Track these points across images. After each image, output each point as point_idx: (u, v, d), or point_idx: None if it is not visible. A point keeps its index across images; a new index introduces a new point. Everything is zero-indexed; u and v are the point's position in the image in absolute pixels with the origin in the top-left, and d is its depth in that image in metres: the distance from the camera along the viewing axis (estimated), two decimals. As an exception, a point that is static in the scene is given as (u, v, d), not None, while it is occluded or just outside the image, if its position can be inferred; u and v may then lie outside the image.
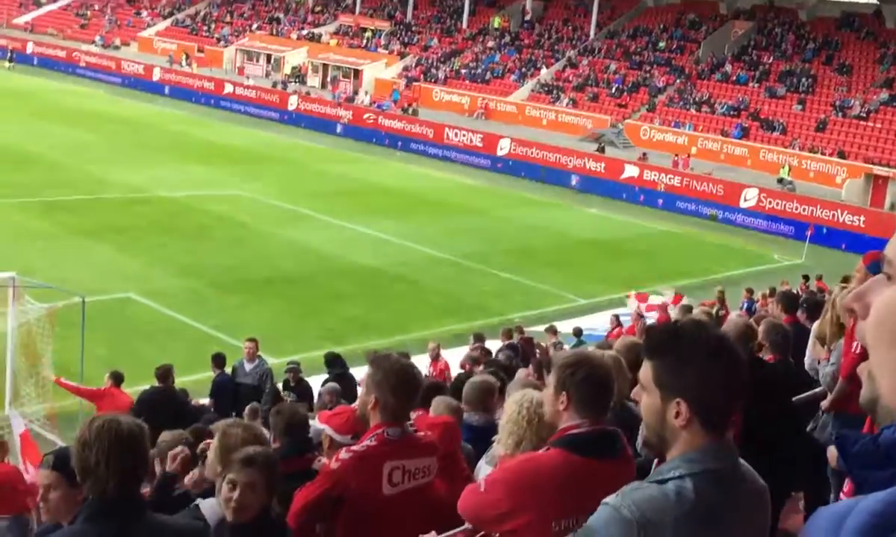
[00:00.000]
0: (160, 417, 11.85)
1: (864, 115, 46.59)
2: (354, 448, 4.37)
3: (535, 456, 3.50)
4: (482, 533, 3.80)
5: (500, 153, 46.91)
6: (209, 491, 4.67)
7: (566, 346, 16.96)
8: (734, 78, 52.34)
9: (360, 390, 4.74)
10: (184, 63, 63.91)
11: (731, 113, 49.70)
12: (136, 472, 3.49)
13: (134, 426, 3.49)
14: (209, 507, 4.28)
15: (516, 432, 4.02)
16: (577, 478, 3.32)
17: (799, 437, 7.21)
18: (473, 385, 6.97)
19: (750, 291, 22.00)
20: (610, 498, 2.44)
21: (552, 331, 18.35)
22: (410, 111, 53.76)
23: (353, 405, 7.38)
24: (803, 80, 50.25)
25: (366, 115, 52.87)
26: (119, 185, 32.54)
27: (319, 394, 12.35)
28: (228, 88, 58.23)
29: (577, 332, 18.87)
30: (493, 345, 17.24)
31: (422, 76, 59.84)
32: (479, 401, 6.76)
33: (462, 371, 13.52)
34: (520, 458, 3.58)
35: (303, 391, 13.70)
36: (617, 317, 20.19)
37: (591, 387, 3.41)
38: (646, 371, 2.58)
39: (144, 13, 74.32)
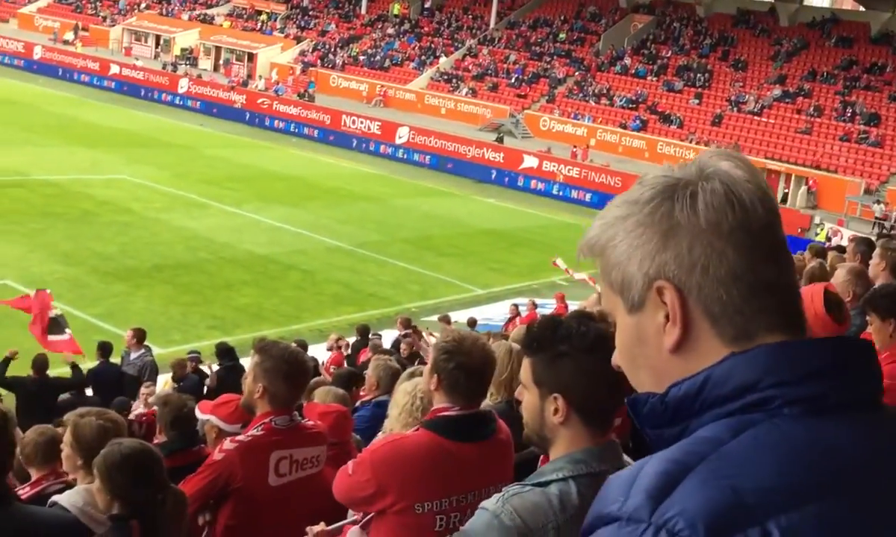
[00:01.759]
0: (36, 408, 11.22)
1: (758, 110, 47.49)
2: (240, 438, 4.25)
3: (402, 437, 3.47)
4: (367, 519, 3.70)
5: (398, 141, 46.36)
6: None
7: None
8: (633, 71, 52.79)
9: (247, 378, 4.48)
10: (68, 36, 61.41)
11: (630, 105, 50.10)
12: (3, 462, 3.37)
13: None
14: (68, 500, 3.95)
15: (410, 423, 3.89)
16: (440, 461, 3.30)
17: None
18: (387, 369, 7.13)
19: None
20: (490, 503, 2.40)
21: (446, 320, 18.02)
22: (306, 97, 52.71)
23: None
24: (700, 74, 50.98)
25: (260, 100, 51.67)
26: (-5, 167, 30.89)
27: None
28: (115, 69, 56.17)
29: (472, 323, 18.58)
30: (389, 334, 16.87)
31: (319, 61, 58.81)
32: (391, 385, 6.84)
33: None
34: (387, 439, 3.54)
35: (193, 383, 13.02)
36: (516, 306, 19.93)
37: (462, 375, 3.35)
38: (525, 368, 2.55)
39: (26, -11, 71.37)
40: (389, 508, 3.31)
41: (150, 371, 13.26)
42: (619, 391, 2.41)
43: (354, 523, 3.98)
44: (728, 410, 1.18)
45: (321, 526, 3.95)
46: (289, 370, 4.21)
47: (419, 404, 3.94)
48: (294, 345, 4.99)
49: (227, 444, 4.20)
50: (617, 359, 1.35)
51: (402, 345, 14.40)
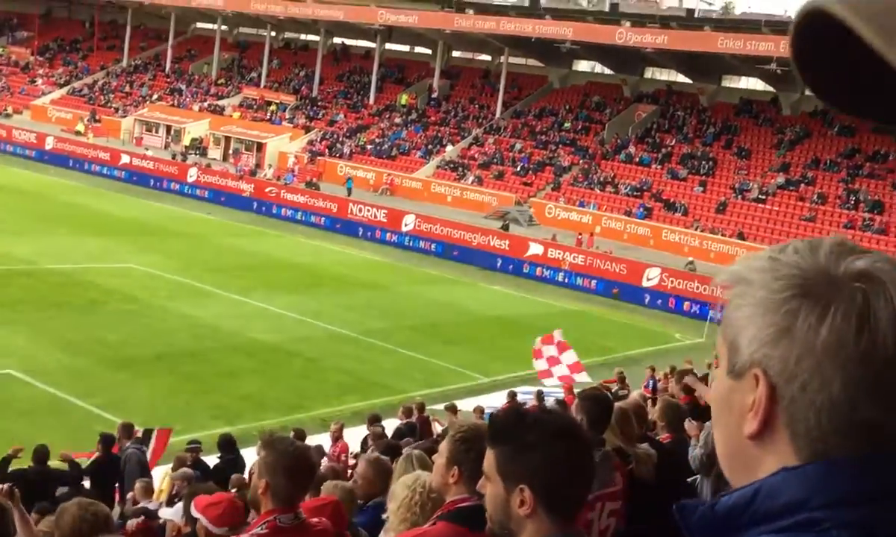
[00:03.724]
0: (35, 499, 11.11)
1: (762, 197, 47.76)
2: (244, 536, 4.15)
3: (423, 531, 3.39)
4: None
5: (404, 229, 46.60)
6: None
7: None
8: (637, 159, 53.27)
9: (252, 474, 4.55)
10: (79, 127, 62.29)
11: (635, 193, 50.43)
12: None
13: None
14: None
15: (409, 518, 3.85)
16: None
17: None
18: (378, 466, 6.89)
19: (653, 369, 21.99)
20: None
21: (452, 409, 17.90)
22: (312, 185, 53.14)
23: (229, 492, 7.04)
24: (704, 162, 51.41)
25: (268, 189, 52.11)
26: (2, 257, 31.02)
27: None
28: (125, 159, 56.85)
29: (479, 411, 18.38)
30: (392, 423, 16.76)
31: (327, 150, 59.49)
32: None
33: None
34: (408, 534, 3.49)
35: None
36: (514, 394, 19.80)
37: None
38: (489, 459, 2.48)
39: (39, 81, 72.50)
40: None
41: (132, 464, 13.03)
42: (586, 480, 2.51)
43: None
44: (777, 527, 1.13)
45: None
46: (291, 465, 4.11)
47: (418, 499, 3.88)
48: (298, 440, 4.94)
49: None
50: (708, 399, 1.31)
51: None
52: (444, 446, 3.47)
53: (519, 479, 2.39)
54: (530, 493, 2.38)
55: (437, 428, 16.51)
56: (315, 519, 4.41)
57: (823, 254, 1.17)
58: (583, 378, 21.20)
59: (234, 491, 8.75)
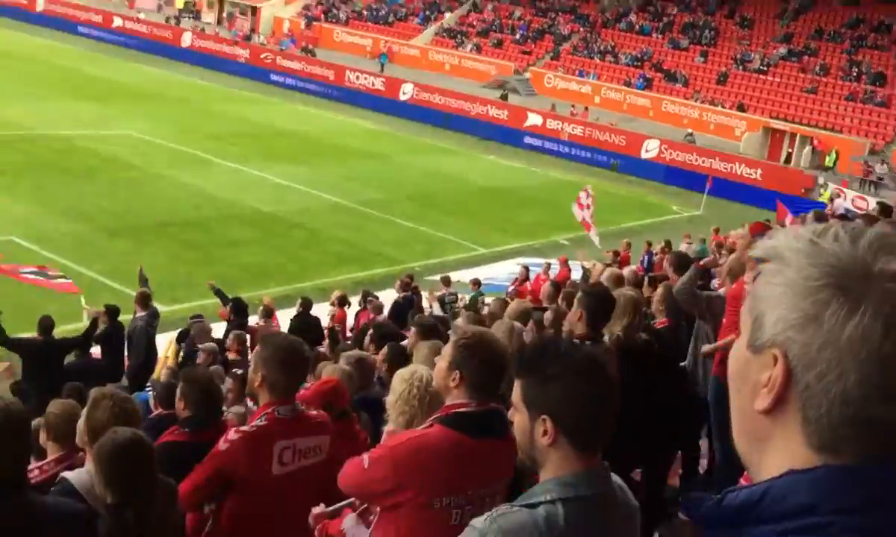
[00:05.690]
0: (43, 370, 11.38)
1: (764, 68, 47.25)
2: (244, 428, 4.35)
3: (419, 433, 3.47)
4: (364, 507, 3.86)
5: (402, 97, 46.19)
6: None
7: (464, 297, 16.99)
8: (638, 28, 52.48)
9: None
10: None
11: (635, 63, 49.86)
12: (24, 456, 3.60)
13: (23, 412, 3.59)
14: (77, 478, 4.03)
15: (408, 411, 3.92)
16: (459, 457, 3.34)
17: (687, 401, 7.43)
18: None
19: (649, 244, 21.97)
20: (477, 521, 2.39)
21: (446, 281, 18.07)
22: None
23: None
24: (706, 32, 50.67)
25: (263, 55, 51.40)
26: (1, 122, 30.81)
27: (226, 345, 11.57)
28: (118, 22, 55.83)
29: (476, 283, 18.50)
30: (389, 294, 16.98)
31: (322, 16, 58.44)
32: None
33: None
34: (404, 435, 3.54)
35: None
36: (526, 267, 19.67)
37: (485, 370, 3.39)
38: (515, 389, 2.53)
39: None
40: (406, 503, 3.35)
41: (138, 335, 13.14)
42: (609, 414, 2.51)
43: (353, 508, 4.08)
44: (784, 528, 1.15)
45: (321, 508, 4.11)
46: (286, 358, 4.28)
47: (416, 392, 3.92)
48: (293, 336, 5.06)
49: (232, 435, 4.28)
50: (730, 379, 1.33)
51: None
52: (446, 349, 3.53)
53: (541, 409, 2.44)
54: (552, 424, 2.42)
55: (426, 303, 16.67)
56: (314, 412, 4.58)
57: (863, 246, 1.18)
58: (592, 236, 21.98)
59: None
